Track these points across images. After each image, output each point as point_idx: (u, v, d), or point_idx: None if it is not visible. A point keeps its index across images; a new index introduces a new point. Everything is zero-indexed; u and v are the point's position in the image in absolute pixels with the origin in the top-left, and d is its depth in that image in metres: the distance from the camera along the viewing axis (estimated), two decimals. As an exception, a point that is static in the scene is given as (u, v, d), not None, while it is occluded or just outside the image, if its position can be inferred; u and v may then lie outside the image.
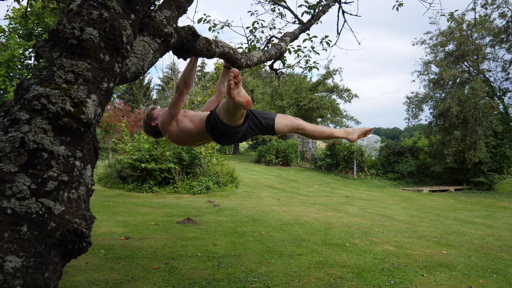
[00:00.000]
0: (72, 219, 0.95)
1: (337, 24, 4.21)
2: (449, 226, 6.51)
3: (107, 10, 1.07)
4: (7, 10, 3.64)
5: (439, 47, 16.08)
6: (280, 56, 3.18)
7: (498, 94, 15.85)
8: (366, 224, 6.17)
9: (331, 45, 4.31)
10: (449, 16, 4.09)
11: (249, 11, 4.41)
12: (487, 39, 15.54)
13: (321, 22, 3.92)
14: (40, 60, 1.06)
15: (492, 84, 15.84)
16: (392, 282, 3.34)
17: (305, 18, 3.84)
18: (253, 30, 4.39)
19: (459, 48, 15.46)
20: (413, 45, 17.43)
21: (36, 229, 0.88)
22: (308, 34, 4.10)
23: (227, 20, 4.49)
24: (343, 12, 4.19)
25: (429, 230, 5.94)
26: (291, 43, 3.54)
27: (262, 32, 4.62)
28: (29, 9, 3.68)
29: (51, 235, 0.91)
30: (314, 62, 4.48)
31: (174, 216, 5.98)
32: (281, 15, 4.35)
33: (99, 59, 1.03)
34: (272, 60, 3.48)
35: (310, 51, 4.29)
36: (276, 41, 3.98)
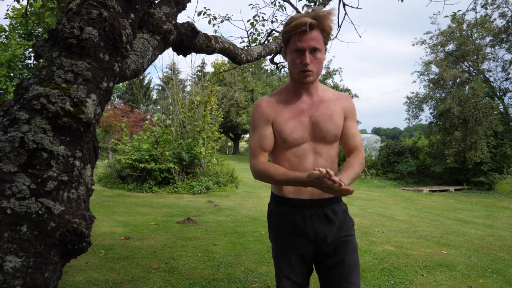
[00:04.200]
0: (72, 219, 0.95)
1: (338, 17, 4.22)
2: (449, 226, 6.51)
3: (106, 10, 1.07)
4: (7, 10, 3.64)
5: (439, 47, 16.08)
6: (280, 50, 3.18)
7: (498, 94, 15.86)
8: (366, 224, 6.17)
9: (332, 38, 4.31)
10: (451, 17, 4.09)
11: (250, 4, 4.40)
12: (487, 39, 15.55)
13: None
14: (40, 60, 1.05)
15: (492, 84, 15.85)
16: (392, 282, 3.34)
17: (305, 11, 3.83)
18: (254, 23, 4.38)
19: (459, 48, 15.46)
20: (413, 45, 17.45)
21: (36, 229, 0.88)
22: None
23: (226, 14, 4.49)
24: (344, 4, 4.18)
25: (429, 230, 5.94)
26: None
27: (263, 25, 4.62)
28: (29, 9, 3.68)
29: (51, 235, 0.91)
30: None
31: (174, 216, 5.98)
32: (282, 8, 4.35)
33: (98, 58, 1.03)
34: (273, 54, 3.48)
35: None
36: (276, 34, 3.97)
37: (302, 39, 1.36)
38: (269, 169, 1.42)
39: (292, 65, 1.43)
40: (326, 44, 1.44)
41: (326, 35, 1.41)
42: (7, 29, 14.23)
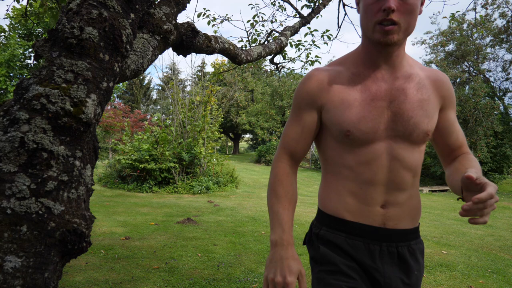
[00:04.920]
0: (72, 219, 0.95)
1: (338, 17, 4.24)
2: (449, 226, 6.51)
3: (106, 10, 1.07)
4: (7, 10, 3.64)
5: (439, 47, 16.09)
6: (280, 51, 3.18)
7: (498, 94, 15.88)
8: (366, 224, 6.17)
9: (332, 39, 4.32)
10: (450, 18, 4.09)
11: (249, 4, 4.40)
12: (487, 39, 15.57)
13: (321, 16, 3.92)
14: (40, 60, 1.05)
15: (492, 84, 15.87)
16: (392, 282, 3.34)
17: (305, 11, 3.84)
18: (254, 24, 4.39)
19: (459, 48, 15.48)
20: (413, 45, 17.46)
21: (35, 229, 0.88)
22: (309, 28, 4.11)
23: (226, 15, 4.49)
24: (344, 5, 4.19)
25: (429, 230, 5.94)
26: (291, 37, 3.54)
27: (263, 25, 4.65)
28: (29, 9, 3.68)
29: (51, 235, 0.91)
30: (316, 56, 4.49)
31: (174, 216, 5.98)
32: (282, 8, 4.36)
33: (98, 58, 1.03)
34: (273, 55, 3.48)
35: (311, 45, 4.30)
36: (276, 34, 3.98)
37: None
38: (276, 186, 1.03)
39: (367, 14, 0.91)
40: None
41: None
42: (6, 29, 14.24)
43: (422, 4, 0.96)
